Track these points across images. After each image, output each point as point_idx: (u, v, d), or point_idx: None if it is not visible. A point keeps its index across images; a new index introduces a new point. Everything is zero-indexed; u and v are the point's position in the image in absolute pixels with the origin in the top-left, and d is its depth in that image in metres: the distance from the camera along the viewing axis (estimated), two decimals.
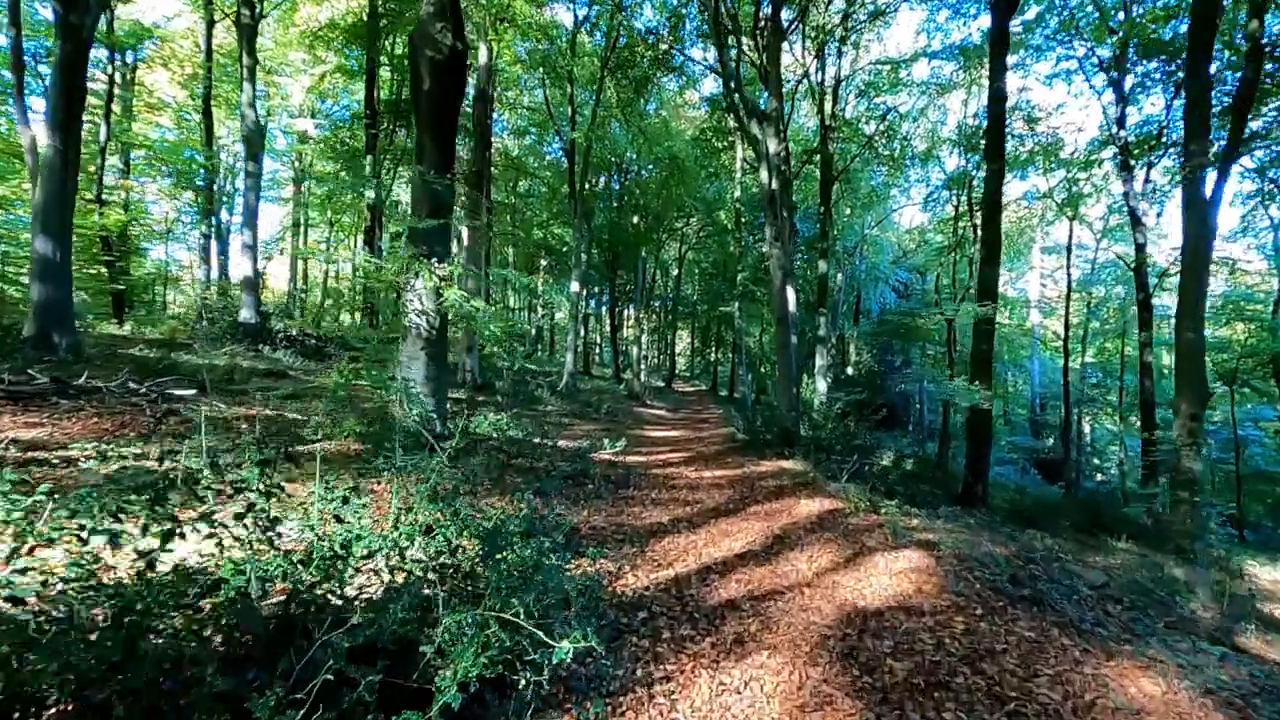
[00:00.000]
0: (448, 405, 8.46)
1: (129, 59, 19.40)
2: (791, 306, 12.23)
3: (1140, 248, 16.46)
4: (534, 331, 32.06)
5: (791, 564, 5.04)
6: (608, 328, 31.38)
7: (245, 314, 15.09)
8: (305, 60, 22.20)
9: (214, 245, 20.29)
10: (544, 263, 30.66)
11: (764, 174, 12.12)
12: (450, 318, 7.37)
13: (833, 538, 5.70)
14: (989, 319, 12.16)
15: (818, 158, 18.27)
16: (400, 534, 3.06)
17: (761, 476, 8.74)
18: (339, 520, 2.99)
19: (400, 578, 2.95)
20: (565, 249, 29.34)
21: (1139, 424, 30.40)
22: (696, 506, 6.80)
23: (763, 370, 31.02)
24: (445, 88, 6.22)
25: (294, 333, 15.59)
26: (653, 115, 24.74)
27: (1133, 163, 16.55)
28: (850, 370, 27.67)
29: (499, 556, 2.96)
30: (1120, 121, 16.62)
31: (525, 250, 29.55)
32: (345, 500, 3.09)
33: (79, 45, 9.68)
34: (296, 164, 25.07)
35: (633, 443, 11.99)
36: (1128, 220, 25.32)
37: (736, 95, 13.02)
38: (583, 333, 34.63)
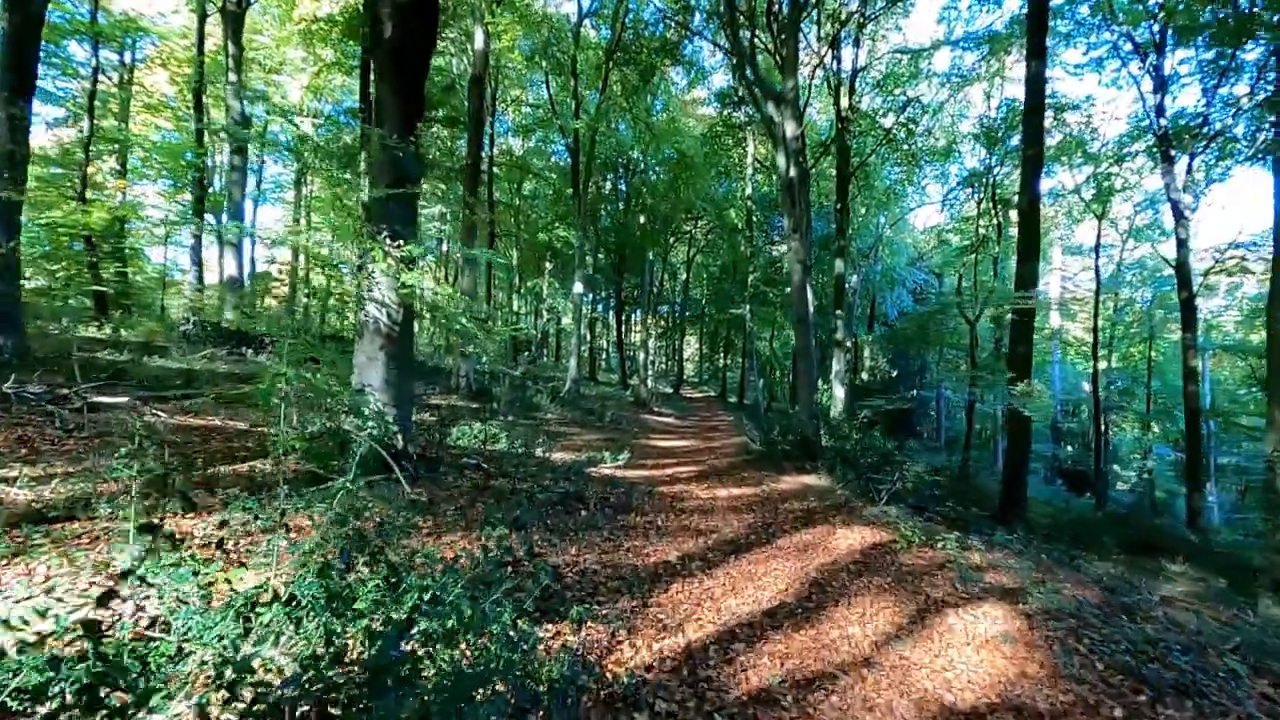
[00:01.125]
0: (414, 416, 7.28)
1: (127, 58, 18.55)
2: (811, 306, 10.99)
3: (1182, 243, 15.08)
4: (539, 336, 30.92)
5: (839, 626, 3.78)
6: (615, 333, 30.17)
7: (230, 316, 14.04)
8: (305, 59, 21.28)
9: (204, 246, 19.24)
10: (549, 266, 29.53)
11: (781, 160, 10.91)
12: (419, 309, 6.18)
13: (886, 585, 4.44)
14: (1028, 311, 10.89)
15: (834, 148, 17.03)
16: (236, 631, 1.84)
17: (785, 496, 7.48)
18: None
19: None
20: (571, 252, 28.23)
21: (1158, 431, 28.90)
22: (711, 537, 5.54)
23: (774, 376, 29.72)
24: (410, 31, 5.07)
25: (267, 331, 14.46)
26: (660, 113, 23.63)
27: (1173, 153, 15.22)
28: (865, 376, 26.31)
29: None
30: (1159, 110, 15.31)
31: (530, 254, 28.42)
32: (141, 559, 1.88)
33: (28, 19, 8.65)
34: (296, 164, 24.11)
35: (637, 455, 10.76)
36: (1155, 219, 24.03)
37: (750, 74, 11.82)
38: (589, 337, 33.50)
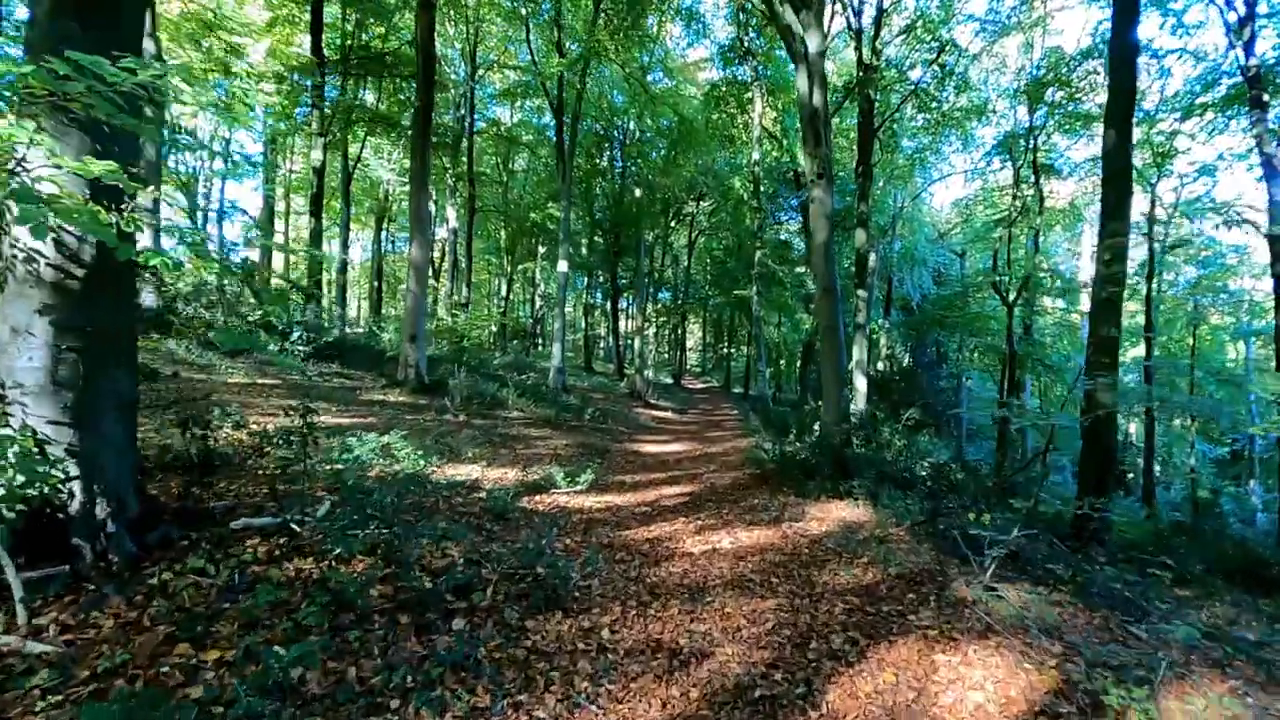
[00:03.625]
0: (293, 420, 4.56)
1: None
2: (838, 274, 8.16)
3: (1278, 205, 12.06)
4: (532, 323, 28.14)
5: None
6: (611, 321, 27.32)
7: (144, 296, 11.36)
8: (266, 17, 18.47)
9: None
10: (542, 249, 26.71)
11: (801, 83, 8.03)
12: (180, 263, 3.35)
13: None
14: (1117, 282, 7.99)
15: (856, 103, 14.08)
16: None
17: (821, 551, 4.68)
18: None
19: None
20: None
21: (1196, 425, 25.82)
22: (705, 679, 2.77)
23: (781, 364, 26.86)
24: None
25: (211, 319, 11.75)
26: (659, 80, 20.66)
27: (1267, 98, 12.20)
28: (879, 366, 23.39)
29: None
30: (1249, 45, 12.26)
31: (520, 235, 25.57)
32: None
33: None
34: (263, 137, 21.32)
35: (614, 467, 7.98)
36: (1207, 192, 20.84)
37: None
38: (583, 325, 30.68)
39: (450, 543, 3.81)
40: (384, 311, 21.94)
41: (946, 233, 26.56)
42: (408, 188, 23.86)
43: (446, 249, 21.77)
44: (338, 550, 3.19)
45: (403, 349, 10.72)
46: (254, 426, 5.59)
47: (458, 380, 10.62)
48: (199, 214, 23.97)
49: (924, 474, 7.52)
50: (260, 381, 9.24)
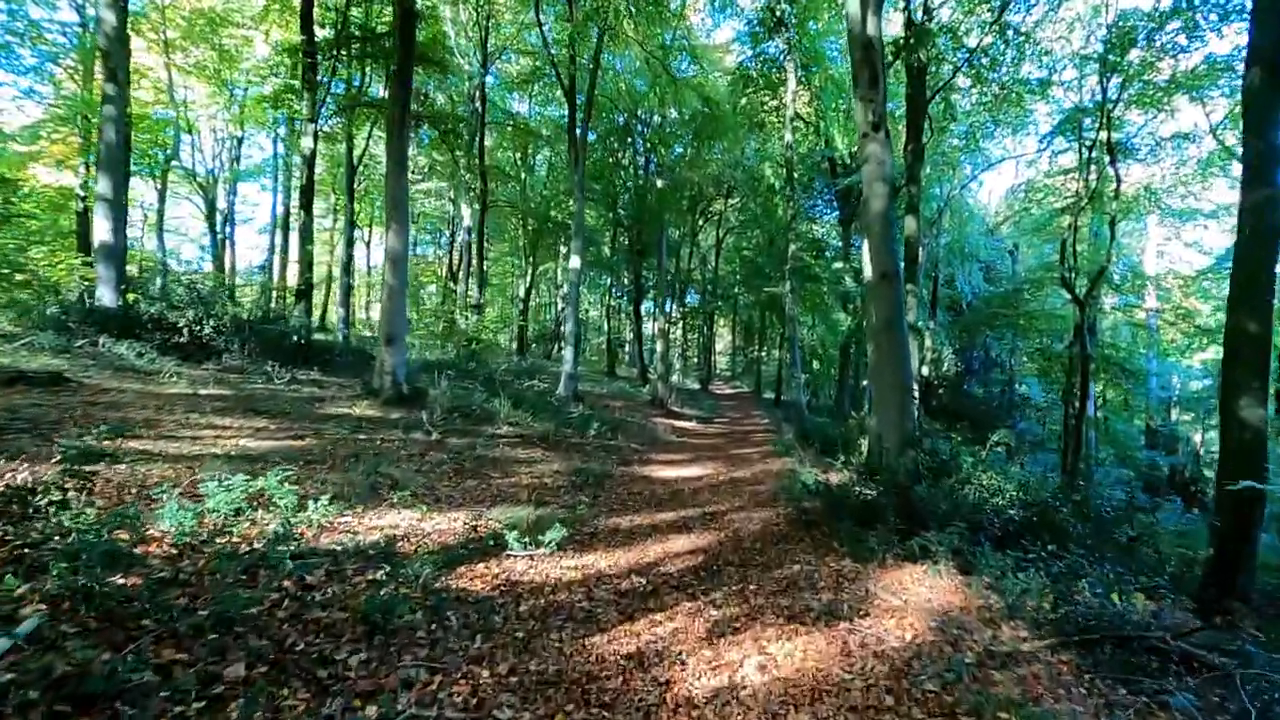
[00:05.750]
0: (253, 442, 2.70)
1: None
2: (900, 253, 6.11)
3: None
4: (555, 327, 26.45)
5: None
6: (634, 323, 25.41)
7: (102, 293, 9.99)
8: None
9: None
10: (563, 249, 25.01)
11: (853, 5, 6.03)
12: None
13: None
14: (1270, 243, 5.69)
15: (903, 68, 11.90)
16: None
17: (920, 698, 2.70)
18: None
19: None
20: (588, 233, 23.66)
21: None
22: None
23: (816, 368, 24.55)
24: None
25: (180, 320, 10.24)
26: (685, 66, 18.73)
27: None
28: (925, 370, 20.90)
29: None
30: None
31: (540, 233, 23.87)
32: None
33: None
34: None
35: (610, 503, 6.07)
36: None
37: None
38: (606, 328, 28.88)
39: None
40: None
41: (996, 226, 23.91)
42: (422, 185, 22.57)
43: (460, 249, 20.25)
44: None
45: (378, 353, 9.04)
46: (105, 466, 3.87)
47: (439, 390, 8.89)
48: (218, 215, 23.09)
49: (1017, 515, 5.40)
50: (205, 393, 7.64)
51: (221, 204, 23.59)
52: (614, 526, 5.29)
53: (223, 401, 7.33)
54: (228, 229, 23.49)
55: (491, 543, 4.16)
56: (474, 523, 4.59)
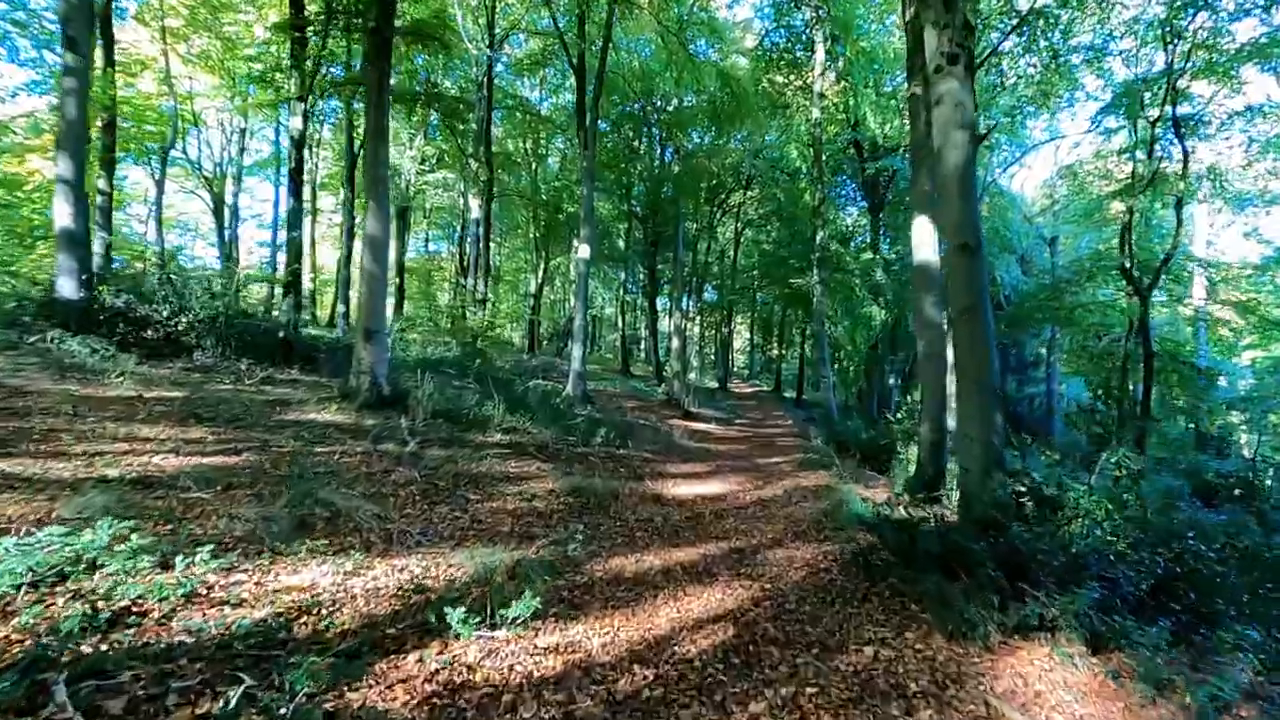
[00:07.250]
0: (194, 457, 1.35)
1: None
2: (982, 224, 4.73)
3: None
4: (566, 322, 25.26)
5: None
6: (649, 320, 24.06)
7: (62, 284, 8.94)
8: None
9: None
10: (575, 243, 23.83)
11: None
12: None
13: None
14: None
15: None
16: None
17: None
18: None
19: None
20: (602, 225, 22.42)
21: None
22: None
23: (838, 366, 22.98)
24: None
25: (148, 314, 9.15)
26: (706, 50, 17.36)
27: None
28: None
29: None
30: None
31: (552, 226, 22.66)
32: None
33: None
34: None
35: (611, 536, 4.76)
36: None
37: None
38: (620, 325, 27.57)
39: None
40: (404, 311, 19.44)
41: (1034, 216, 22.14)
42: (429, 176, 21.46)
43: (469, 243, 19.11)
44: None
45: (355, 350, 7.85)
46: None
47: (423, 391, 7.67)
48: (225, 209, 22.29)
49: (1148, 560, 3.99)
50: (150, 395, 6.51)
51: (239, 199, 22.83)
52: (615, 573, 4.00)
53: (165, 406, 6.18)
54: (235, 224, 22.70)
55: (434, 616, 2.88)
56: (422, 579, 3.33)
